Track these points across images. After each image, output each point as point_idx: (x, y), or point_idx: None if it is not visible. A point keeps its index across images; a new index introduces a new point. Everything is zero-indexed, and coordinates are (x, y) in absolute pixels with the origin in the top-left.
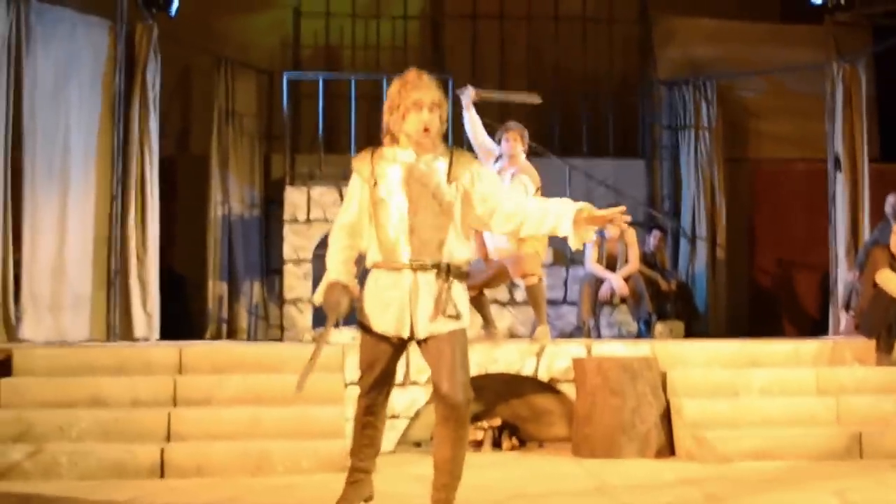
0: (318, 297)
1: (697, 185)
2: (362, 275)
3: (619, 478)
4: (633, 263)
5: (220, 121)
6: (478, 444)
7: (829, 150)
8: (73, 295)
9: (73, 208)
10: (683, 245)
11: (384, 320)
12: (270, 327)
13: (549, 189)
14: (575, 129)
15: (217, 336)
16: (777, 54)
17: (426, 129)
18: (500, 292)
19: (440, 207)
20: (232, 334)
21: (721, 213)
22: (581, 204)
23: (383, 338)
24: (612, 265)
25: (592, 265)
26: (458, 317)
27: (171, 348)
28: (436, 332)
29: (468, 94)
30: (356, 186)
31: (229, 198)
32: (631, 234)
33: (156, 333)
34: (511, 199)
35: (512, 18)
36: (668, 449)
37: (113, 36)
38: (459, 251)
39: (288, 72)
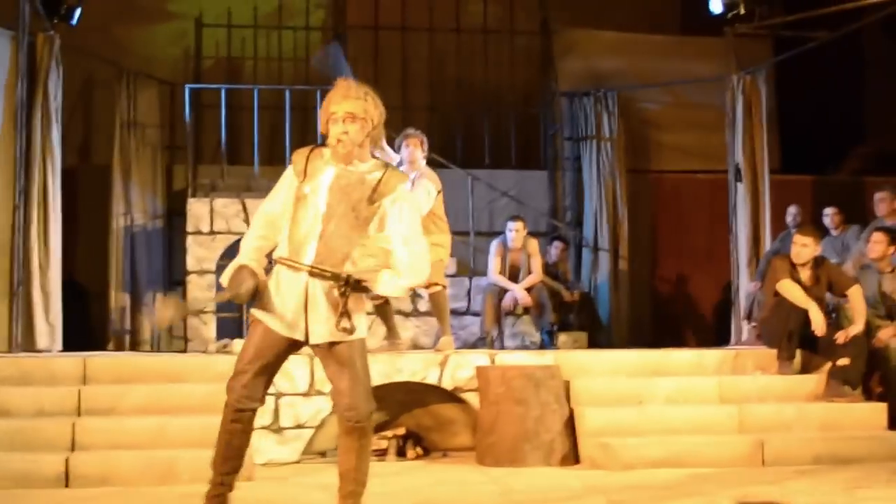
0: (225, 278)
1: (600, 196)
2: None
3: (523, 485)
4: (536, 274)
5: (122, 131)
6: (382, 453)
7: (730, 161)
8: None
9: None
10: (586, 256)
11: (278, 318)
12: (174, 339)
13: (452, 200)
14: (477, 140)
15: (120, 347)
16: (679, 66)
17: (338, 141)
18: (404, 302)
19: (356, 221)
20: (135, 346)
21: (623, 223)
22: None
23: (267, 328)
24: (514, 276)
25: (495, 275)
26: (351, 331)
27: (75, 359)
28: (330, 340)
29: None
30: (287, 178)
31: (132, 209)
32: (534, 245)
33: (58, 345)
34: (402, 252)
35: (414, 30)
36: (572, 457)
37: (15, 45)
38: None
39: (190, 83)
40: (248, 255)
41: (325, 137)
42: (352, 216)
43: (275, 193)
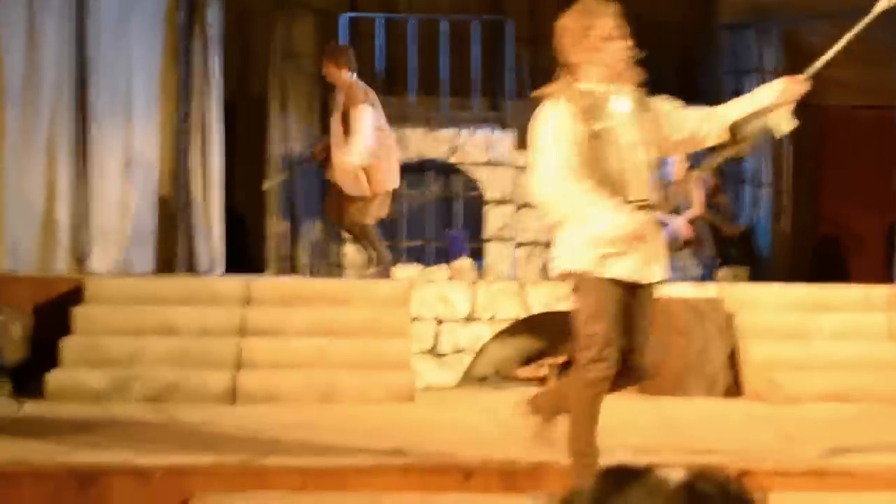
0: (629, 235)
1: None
2: None
3: (687, 414)
4: (697, 207)
5: (278, 62)
6: (542, 381)
7: None
8: (138, 229)
9: (138, 144)
10: (747, 191)
11: (624, 264)
12: (330, 265)
13: None
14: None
15: (278, 273)
16: None
17: (627, 58)
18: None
19: (649, 142)
20: (293, 271)
21: (786, 159)
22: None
23: (613, 282)
24: (673, 209)
25: None
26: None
27: (239, 281)
28: (656, 280)
29: None
30: (567, 120)
31: (288, 139)
32: (694, 179)
33: (220, 268)
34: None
35: None
36: (735, 389)
37: None
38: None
39: (345, 13)
40: (618, 207)
41: (569, 64)
42: (646, 138)
43: (559, 140)
